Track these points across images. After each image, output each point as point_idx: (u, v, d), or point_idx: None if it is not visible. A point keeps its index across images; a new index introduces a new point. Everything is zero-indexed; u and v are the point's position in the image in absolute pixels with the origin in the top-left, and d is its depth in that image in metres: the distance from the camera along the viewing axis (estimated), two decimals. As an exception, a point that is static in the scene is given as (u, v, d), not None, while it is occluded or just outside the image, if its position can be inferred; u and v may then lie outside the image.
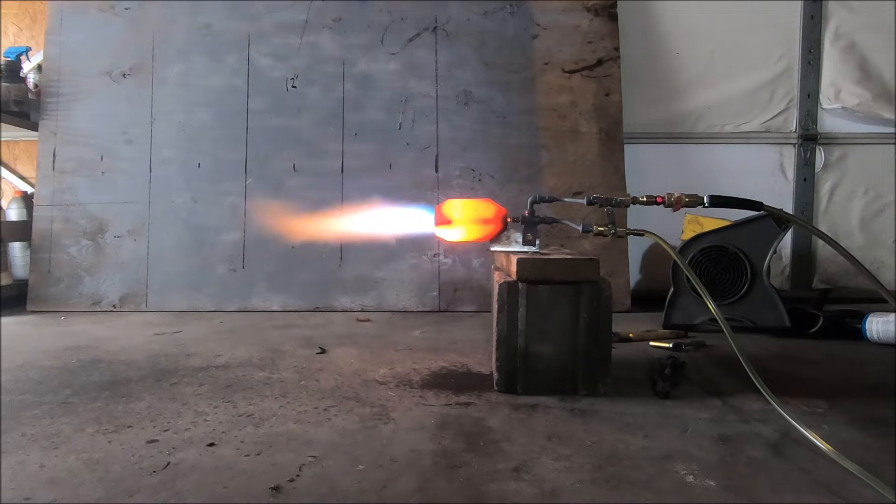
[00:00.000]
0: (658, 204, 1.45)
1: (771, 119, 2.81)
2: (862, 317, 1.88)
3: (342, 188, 2.57)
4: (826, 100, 2.77)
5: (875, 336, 1.84)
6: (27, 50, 2.80)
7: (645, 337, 1.87)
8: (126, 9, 2.65)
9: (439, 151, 2.59)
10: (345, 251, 2.53)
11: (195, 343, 1.86)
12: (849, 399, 1.30)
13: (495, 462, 0.97)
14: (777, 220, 1.91)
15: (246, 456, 0.99)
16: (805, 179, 2.80)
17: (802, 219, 2.71)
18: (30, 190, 2.85)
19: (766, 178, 2.82)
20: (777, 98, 2.80)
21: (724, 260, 2.00)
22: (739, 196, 1.49)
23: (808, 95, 2.78)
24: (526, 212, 1.47)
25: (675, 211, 1.50)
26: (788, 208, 2.79)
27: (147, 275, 2.52)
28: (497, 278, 1.38)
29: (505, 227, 1.48)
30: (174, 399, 1.29)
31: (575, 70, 2.63)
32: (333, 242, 2.53)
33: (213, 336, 1.98)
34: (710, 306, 1.26)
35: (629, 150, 2.66)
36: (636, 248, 2.72)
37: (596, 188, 2.51)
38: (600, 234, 1.45)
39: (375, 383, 1.41)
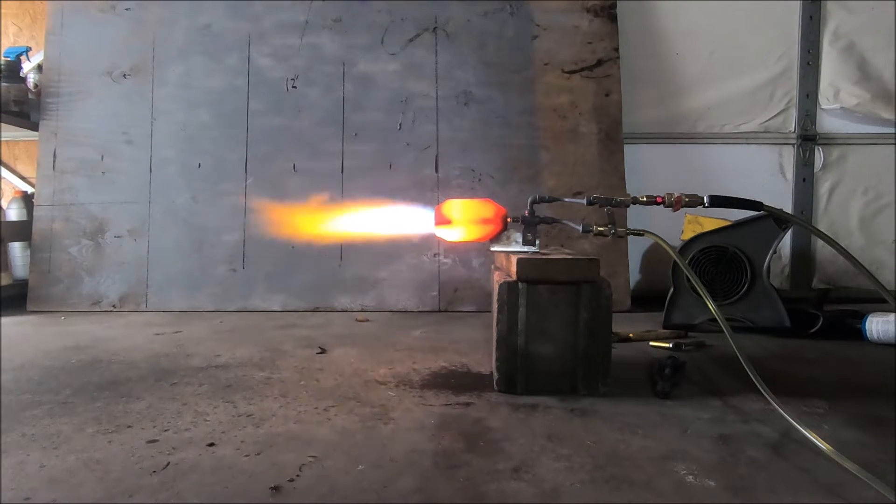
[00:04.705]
0: (658, 204, 1.46)
1: (770, 119, 2.81)
2: (862, 317, 1.88)
3: (342, 188, 2.57)
4: (825, 100, 2.77)
5: (875, 336, 1.84)
6: (27, 50, 2.80)
7: (645, 337, 1.87)
8: (126, 9, 2.65)
9: (439, 151, 2.59)
10: (345, 251, 2.53)
11: (195, 343, 1.86)
12: (849, 399, 1.30)
13: (495, 462, 0.97)
14: (777, 220, 1.92)
15: (246, 456, 0.99)
16: (804, 179, 2.80)
17: (802, 219, 2.71)
18: (30, 190, 2.85)
19: (766, 178, 2.82)
20: (776, 98, 2.80)
21: (724, 260, 2.00)
22: (739, 196, 1.49)
23: (807, 96, 2.78)
24: (526, 212, 1.47)
25: (675, 211, 1.50)
26: (788, 208, 2.79)
27: (147, 275, 2.52)
28: (497, 278, 1.38)
29: (505, 227, 1.48)
30: (174, 399, 1.29)
31: (575, 70, 2.63)
32: (333, 242, 2.53)
33: (213, 336, 1.97)
34: (710, 306, 1.26)
35: (629, 150, 2.66)
36: (636, 248, 2.72)
37: (596, 188, 2.51)
38: (600, 234, 1.45)
39: (375, 383, 1.41)
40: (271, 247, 2.53)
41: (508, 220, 1.47)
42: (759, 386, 1.14)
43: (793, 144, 2.81)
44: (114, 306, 2.49)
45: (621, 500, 0.85)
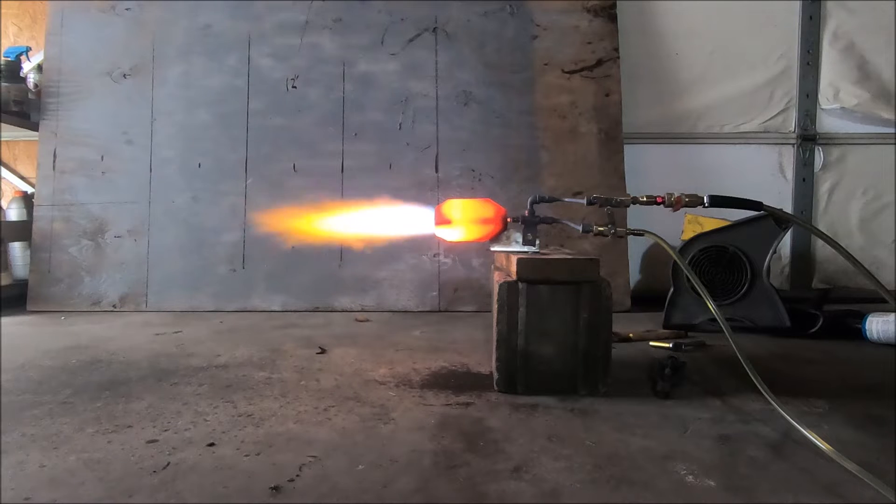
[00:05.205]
0: (658, 204, 1.46)
1: (770, 119, 2.81)
2: (862, 317, 1.88)
3: (342, 188, 2.57)
4: (825, 100, 2.77)
5: (875, 336, 1.84)
6: (27, 50, 2.80)
7: (645, 337, 1.87)
8: (126, 9, 2.65)
9: (439, 151, 2.59)
10: (345, 251, 2.53)
11: (195, 343, 1.86)
12: (848, 399, 1.30)
13: (495, 462, 0.97)
14: (777, 219, 1.92)
15: (246, 456, 0.99)
16: (804, 179, 2.80)
17: (802, 219, 2.71)
18: (30, 190, 2.85)
19: (766, 178, 2.82)
20: (776, 98, 2.81)
21: (724, 260, 2.00)
22: (739, 196, 1.49)
23: (807, 96, 2.78)
24: (526, 212, 1.47)
25: (675, 211, 1.50)
26: (788, 208, 2.79)
27: (147, 275, 2.52)
28: (497, 278, 1.38)
29: (505, 227, 1.48)
30: (174, 399, 1.29)
31: (575, 70, 2.63)
32: (333, 242, 2.53)
33: (213, 336, 1.98)
34: (710, 306, 1.26)
35: (629, 150, 2.66)
36: (636, 248, 2.72)
37: (596, 188, 2.51)
38: (600, 234, 1.45)
39: (375, 383, 1.41)
40: (271, 247, 2.53)
41: (508, 220, 1.48)
42: (759, 386, 1.14)
43: (793, 144, 2.81)
44: (114, 306, 2.49)
45: (621, 500, 0.85)
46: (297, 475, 0.92)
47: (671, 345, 1.76)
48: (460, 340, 1.90)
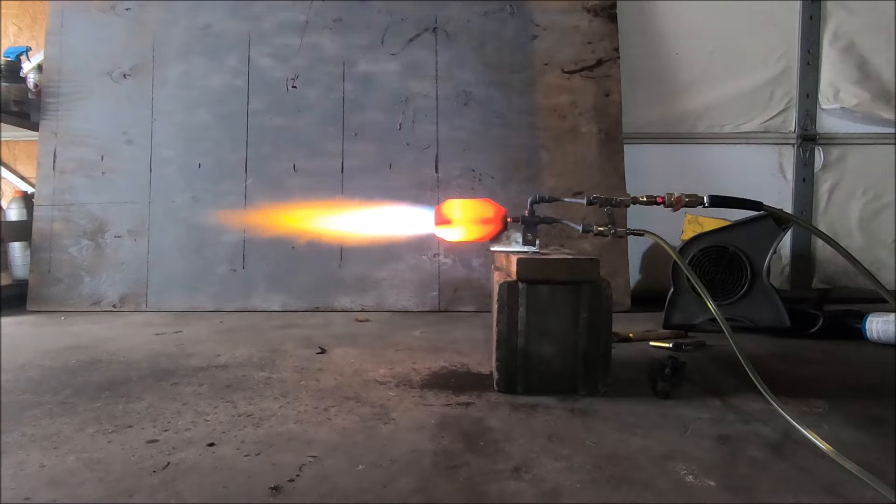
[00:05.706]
0: (658, 204, 1.46)
1: (770, 119, 2.81)
2: (862, 317, 1.88)
3: (342, 188, 2.57)
4: (825, 100, 2.77)
5: (875, 336, 1.84)
6: (27, 50, 2.80)
7: (645, 337, 1.86)
8: (126, 9, 2.65)
9: (439, 151, 2.59)
10: (345, 251, 2.53)
11: (195, 343, 1.86)
12: (848, 399, 1.30)
13: (495, 462, 0.97)
14: (777, 220, 1.92)
15: (246, 456, 0.99)
16: (804, 179, 2.80)
17: (802, 219, 2.71)
18: (30, 190, 2.85)
19: (766, 178, 2.82)
20: (776, 98, 2.81)
21: (724, 260, 2.00)
22: (739, 196, 1.49)
23: (808, 96, 2.78)
24: (526, 212, 1.47)
25: (675, 211, 1.50)
26: (788, 208, 2.79)
27: (147, 275, 2.52)
28: (497, 278, 1.38)
29: (505, 227, 1.48)
30: (174, 399, 1.29)
31: (575, 70, 2.63)
32: (333, 242, 2.53)
33: (213, 336, 1.97)
34: (710, 306, 1.26)
35: (629, 150, 2.66)
36: (636, 248, 2.72)
37: (596, 188, 2.51)
38: (600, 234, 1.45)
39: (375, 383, 1.41)
40: (271, 247, 2.53)
41: (508, 220, 1.47)
42: (759, 386, 1.14)
43: (793, 144, 2.81)
44: (114, 306, 2.49)
45: (621, 500, 0.85)
46: (297, 475, 0.92)
47: (671, 345, 1.76)
48: (460, 340, 1.90)
